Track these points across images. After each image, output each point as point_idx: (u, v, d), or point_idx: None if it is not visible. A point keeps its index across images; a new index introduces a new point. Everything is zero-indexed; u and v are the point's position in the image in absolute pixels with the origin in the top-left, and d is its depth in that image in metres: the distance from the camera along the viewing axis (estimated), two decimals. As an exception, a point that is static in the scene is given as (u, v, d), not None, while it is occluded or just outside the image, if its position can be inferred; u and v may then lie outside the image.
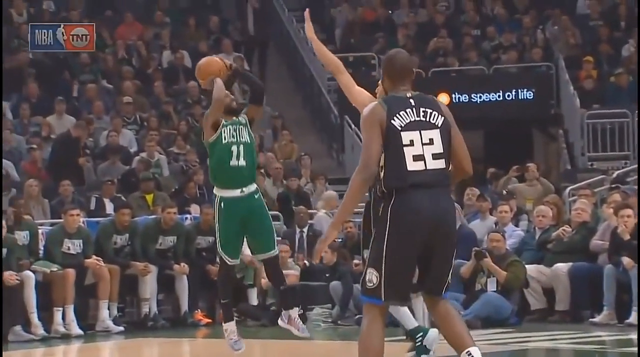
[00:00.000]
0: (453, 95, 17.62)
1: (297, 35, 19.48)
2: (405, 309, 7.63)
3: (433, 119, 5.50)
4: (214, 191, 7.84)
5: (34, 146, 15.26)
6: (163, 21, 19.64)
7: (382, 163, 5.46)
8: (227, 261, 7.77)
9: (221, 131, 7.75)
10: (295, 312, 7.96)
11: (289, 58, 20.51)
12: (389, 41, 18.93)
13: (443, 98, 17.41)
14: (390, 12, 20.13)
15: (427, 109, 5.52)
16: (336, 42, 19.76)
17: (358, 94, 6.80)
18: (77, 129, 15.35)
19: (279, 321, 8.03)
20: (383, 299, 5.45)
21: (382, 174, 5.46)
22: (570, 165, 17.12)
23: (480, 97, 17.91)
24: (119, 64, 18.24)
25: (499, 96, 17.88)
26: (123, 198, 13.88)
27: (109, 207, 13.78)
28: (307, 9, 7.09)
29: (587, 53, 18.09)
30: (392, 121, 5.45)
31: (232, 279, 8.44)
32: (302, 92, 19.94)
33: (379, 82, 6.79)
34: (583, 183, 15.04)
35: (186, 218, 13.43)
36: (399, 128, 5.45)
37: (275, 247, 7.90)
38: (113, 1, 19.95)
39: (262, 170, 15.34)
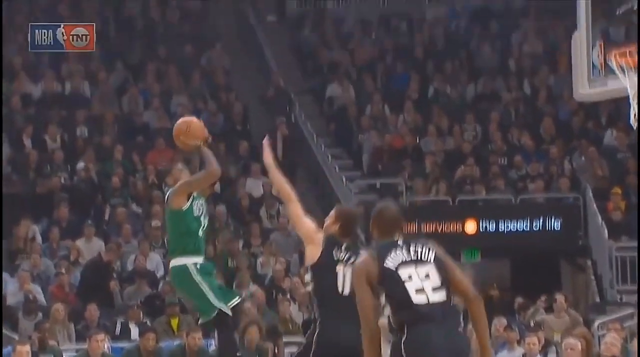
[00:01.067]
0: (480, 224, 17.63)
1: (325, 161, 19.65)
2: None
3: (424, 256, 5.61)
4: (177, 262, 7.94)
5: (62, 271, 15.30)
6: (194, 147, 19.80)
7: (385, 301, 5.50)
8: (228, 312, 7.80)
9: (192, 203, 7.94)
10: None
11: (317, 183, 20.61)
12: (416, 168, 19.03)
13: (470, 226, 17.47)
14: (417, 139, 20.29)
15: (417, 248, 5.63)
16: (363, 168, 19.88)
17: (304, 224, 6.91)
18: (108, 253, 15.46)
19: None
20: None
21: (388, 311, 5.51)
22: (599, 297, 16.92)
23: (507, 226, 17.89)
24: (149, 188, 18.40)
25: (526, 226, 17.84)
26: (148, 323, 13.84)
27: (134, 332, 13.73)
28: (267, 137, 7.23)
29: (614, 184, 18.10)
30: (385, 264, 5.57)
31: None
32: (329, 217, 19.93)
33: (328, 216, 6.84)
34: (613, 317, 14.85)
35: (211, 344, 13.33)
36: (394, 268, 5.55)
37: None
38: (145, 128, 20.20)
39: (288, 296, 15.27)
